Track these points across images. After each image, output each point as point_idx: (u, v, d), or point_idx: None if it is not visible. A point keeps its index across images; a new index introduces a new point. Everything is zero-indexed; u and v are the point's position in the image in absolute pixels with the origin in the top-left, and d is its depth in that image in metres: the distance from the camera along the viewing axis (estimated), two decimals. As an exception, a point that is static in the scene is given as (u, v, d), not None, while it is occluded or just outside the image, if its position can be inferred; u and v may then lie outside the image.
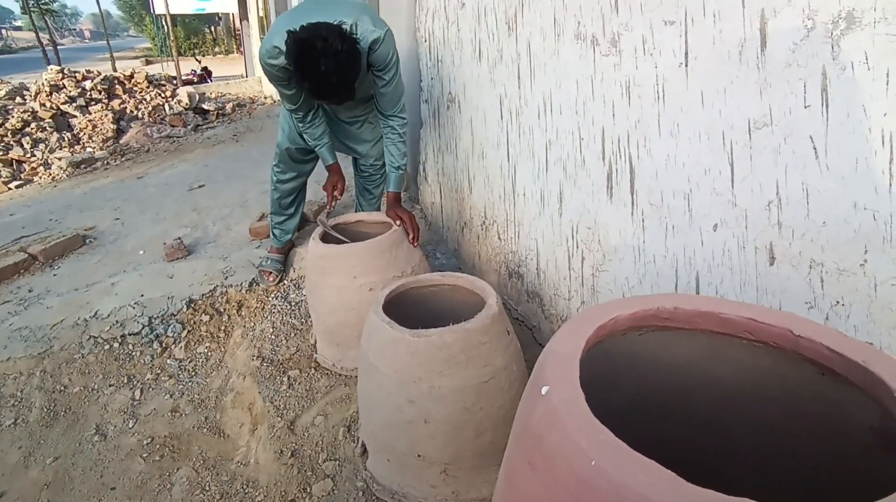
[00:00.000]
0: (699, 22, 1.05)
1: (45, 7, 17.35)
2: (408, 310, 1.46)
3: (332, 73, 1.60)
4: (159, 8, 12.66)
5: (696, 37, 1.06)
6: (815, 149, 0.89)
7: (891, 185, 0.80)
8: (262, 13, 8.65)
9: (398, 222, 1.91)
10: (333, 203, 2.22)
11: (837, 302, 0.89)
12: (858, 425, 0.69)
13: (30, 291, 2.64)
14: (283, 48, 1.67)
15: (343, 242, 1.89)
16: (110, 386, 2.13)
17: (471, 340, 1.23)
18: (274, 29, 1.82)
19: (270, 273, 2.48)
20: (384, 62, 1.85)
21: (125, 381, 2.15)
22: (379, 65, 1.85)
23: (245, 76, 11.47)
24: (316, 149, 2.16)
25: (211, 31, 28.32)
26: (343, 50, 1.60)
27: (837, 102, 0.85)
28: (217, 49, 26.41)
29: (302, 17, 1.71)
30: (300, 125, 2.09)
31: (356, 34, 1.72)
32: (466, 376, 1.23)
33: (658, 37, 1.15)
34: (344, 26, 1.68)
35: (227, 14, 20.34)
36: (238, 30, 15.61)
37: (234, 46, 23.08)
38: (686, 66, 1.10)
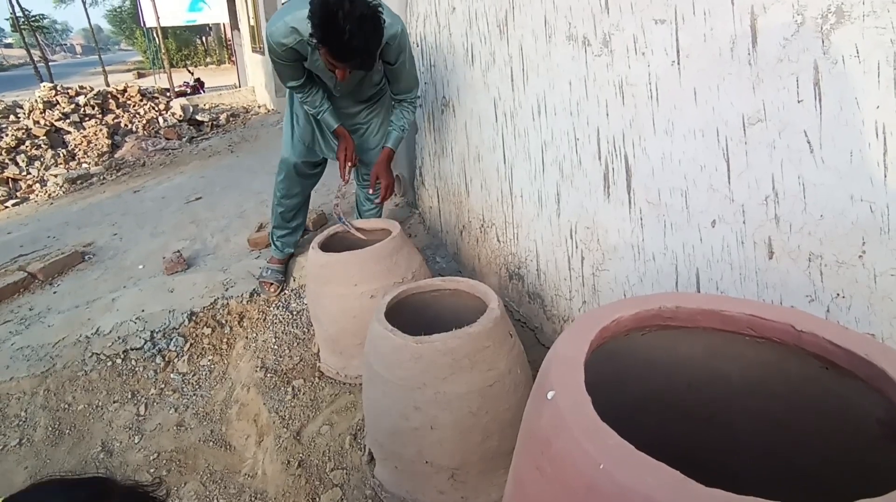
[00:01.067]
0: (690, 20, 1.06)
1: (36, 24, 17.35)
2: (410, 316, 1.46)
3: (356, 35, 1.58)
4: (150, 21, 12.67)
5: (687, 35, 1.07)
6: (809, 143, 0.89)
7: (886, 177, 0.80)
8: (252, 22, 8.66)
9: (374, 186, 2.05)
10: (348, 175, 2.17)
11: (838, 294, 0.90)
12: (864, 418, 0.69)
13: (30, 310, 2.64)
14: (300, 28, 1.69)
15: (361, 240, 1.91)
16: (114, 402, 2.13)
17: (474, 344, 1.23)
18: (288, 8, 1.79)
19: (271, 284, 2.46)
20: (399, 53, 1.89)
21: (129, 397, 2.15)
22: (393, 58, 1.90)
23: (238, 86, 11.46)
24: (319, 117, 2.13)
25: (202, 42, 28.33)
26: (368, 15, 1.59)
27: (830, 96, 0.85)
28: (209, 59, 26.40)
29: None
30: (299, 96, 2.08)
31: None
32: (471, 381, 1.23)
33: (649, 36, 1.16)
34: None
35: (218, 24, 20.36)
36: (229, 40, 15.62)
37: (226, 56, 23.08)
38: (678, 64, 1.10)
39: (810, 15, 0.85)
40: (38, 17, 18.42)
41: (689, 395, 0.86)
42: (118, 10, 28.97)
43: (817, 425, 0.75)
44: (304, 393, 1.88)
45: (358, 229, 2.03)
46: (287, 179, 2.35)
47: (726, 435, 0.85)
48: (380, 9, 1.65)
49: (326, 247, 1.89)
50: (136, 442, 1.98)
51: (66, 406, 2.11)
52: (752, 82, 0.96)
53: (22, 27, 14.70)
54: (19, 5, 14.77)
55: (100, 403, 2.13)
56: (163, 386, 2.19)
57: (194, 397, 2.15)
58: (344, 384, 1.89)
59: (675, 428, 0.88)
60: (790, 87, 0.90)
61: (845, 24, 0.81)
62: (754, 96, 0.96)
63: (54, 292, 2.81)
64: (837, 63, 0.83)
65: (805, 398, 0.75)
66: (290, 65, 1.88)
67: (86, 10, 17.16)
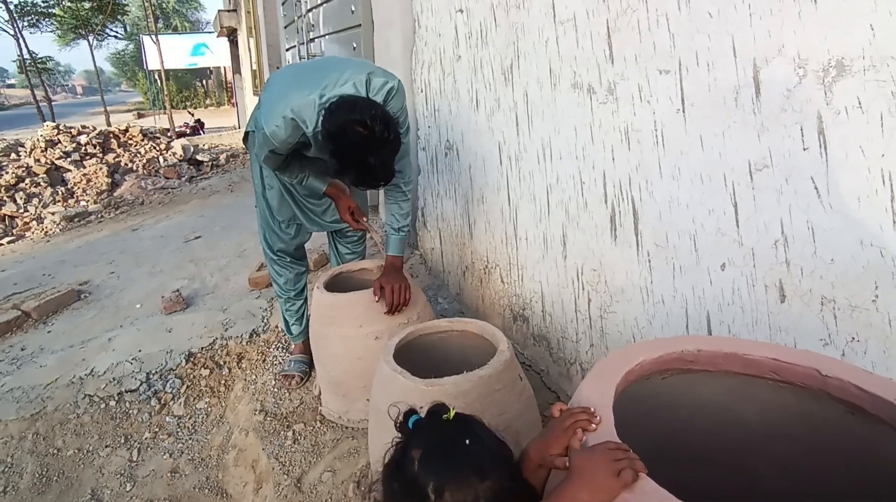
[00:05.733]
0: (693, 71, 1.10)
1: (42, 66, 17.77)
2: (416, 357, 1.44)
3: (381, 165, 1.48)
4: (153, 64, 13.02)
5: (691, 84, 1.11)
6: (816, 188, 0.92)
7: (895, 223, 0.82)
8: (255, 67, 8.90)
9: (377, 297, 1.70)
10: (365, 224, 1.91)
11: (853, 338, 0.90)
12: (890, 463, 0.68)
13: (22, 350, 2.59)
14: (298, 117, 1.52)
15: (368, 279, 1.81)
16: (106, 447, 2.06)
17: (485, 388, 1.21)
18: (277, 99, 1.59)
19: (293, 376, 2.10)
20: (397, 113, 1.65)
21: (122, 441, 2.08)
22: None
23: (238, 127, 11.68)
24: (303, 184, 1.90)
25: (202, 84, 29.01)
26: (390, 139, 1.46)
27: (835, 144, 0.88)
28: (208, 101, 26.98)
29: (307, 79, 1.59)
30: (281, 175, 1.85)
31: (370, 88, 1.59)
32: (482, 425, 1.21)
33: (654, 85, 1.20)
34: (358, 78, 1.57)
35: (219, 67, 20.94)
36: (230, 82, 16.03)
37: (226, 98, 23.61)
38: (683, 111, 1.14)
39: (811, 68, 0.89)
40: (44, 60, 18.85)
41: (710, 440, 0.85)
42: (121, 52, 29.78)
43: (844, 470, 0.74)
44: (304, 438, 1.83)
45: (363, 269, 2.03)
46: (281, 268, 2.10)
47: (750, 480, 0.84)
48: (393, 119, 1.50)
49: (331, 287, 1.88)
50: (127, 489, 1.91)
51: (56, 451, 2.04)
52: (756, 130, 1.00)
53: (28, 69, 15.00)
54: (27, 48, 15.14)
55: (91, 448, 2.06)
56: (157, 429, 2.13)
57: (190, 441, 2.08)
58: (346, 428, 1.85)
59: (696, 473, 0.86)
60: (795, 136, 0.94)
61: (846, 77, 0.85)
62: (760, 143, 1.00)
63: (48, 331, 2.76)
64: (840, 113, 0.87)
65: (829, 442, 0.75)
66: (283, 155, 1.72)
67: (91, 53, 17.64)
